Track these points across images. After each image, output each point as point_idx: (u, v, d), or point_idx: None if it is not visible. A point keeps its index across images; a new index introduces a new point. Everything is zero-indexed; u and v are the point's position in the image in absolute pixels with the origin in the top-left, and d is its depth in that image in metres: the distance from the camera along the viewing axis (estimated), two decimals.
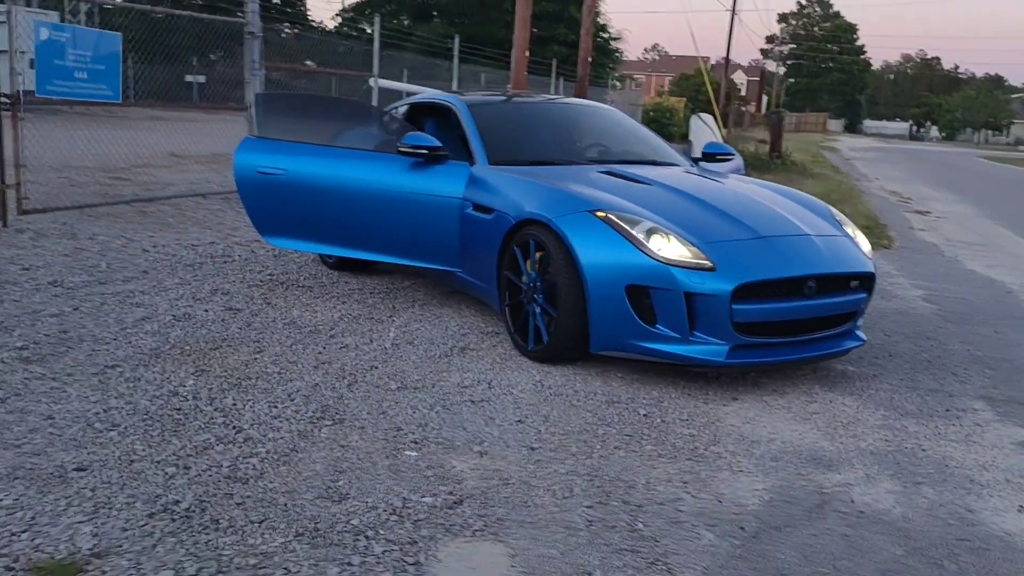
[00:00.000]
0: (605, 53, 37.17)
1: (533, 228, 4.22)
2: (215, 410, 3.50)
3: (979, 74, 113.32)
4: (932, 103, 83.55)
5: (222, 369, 3.99)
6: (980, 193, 18.52)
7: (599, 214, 4.00)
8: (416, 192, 4.83)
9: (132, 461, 2.99)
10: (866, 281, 4.25)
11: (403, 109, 5.88)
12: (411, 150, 4.75)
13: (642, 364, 4.20)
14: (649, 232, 3.90)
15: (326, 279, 5.88)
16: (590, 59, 19.01)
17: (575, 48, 33.69)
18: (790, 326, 3.99)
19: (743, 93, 71.93)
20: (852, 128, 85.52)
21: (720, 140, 8.41)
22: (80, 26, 7.74)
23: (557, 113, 5.79)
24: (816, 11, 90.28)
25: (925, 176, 23.58)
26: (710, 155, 5.65)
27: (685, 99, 60.56)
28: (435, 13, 35.71)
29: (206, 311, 4.90)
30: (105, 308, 4.84)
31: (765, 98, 78.30)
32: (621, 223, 3.94)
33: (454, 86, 16.24)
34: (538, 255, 4.24)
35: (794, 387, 4.17)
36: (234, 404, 3.57)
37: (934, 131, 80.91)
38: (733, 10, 42.89)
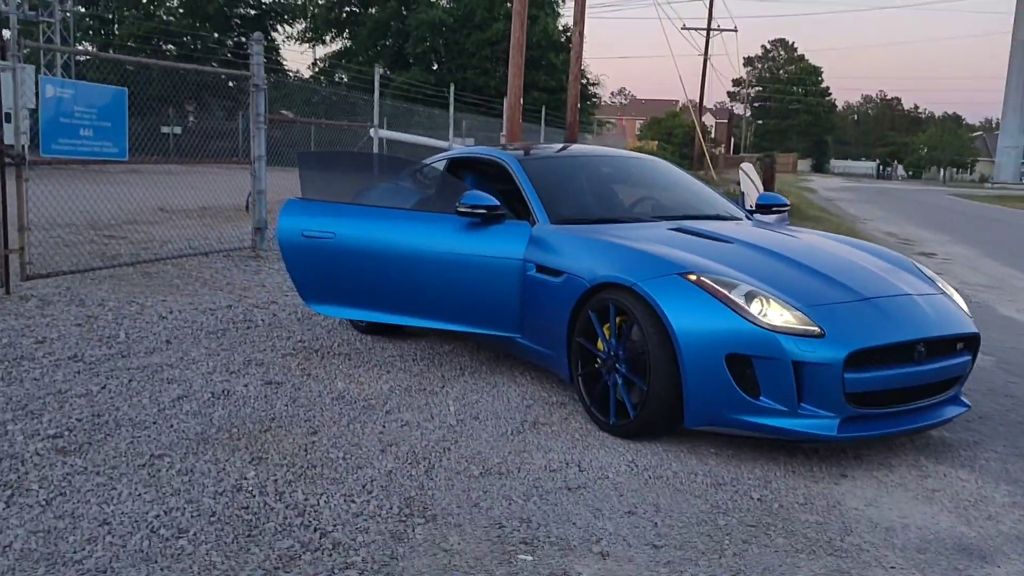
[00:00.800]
0: (584, 98, 37.39)
1: (613, 292, 3.91)
2: (287, 507, 3.13)
3: (938, 113, 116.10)
4: (898, 142, 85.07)
5: (280, 456, 3.62)
6: (969, 232, 18.57)
7: (691, 277, 3.71)
8: (472, 254, 4.52)
9: None
10: (970, 342, 3.98)
11: (441, 164, 5.58)
12: (470, 210, 4.44)
13: (733, 438, 3.89)
14: (748, 296, 3.61)
15: (361, 345, 5.52)
16: (579, 105, 18.94)
17: (555, 93, 33.97)
18: (900, 394, 3.70)
19: (713, 135, 72.74)
20: (820, 168, 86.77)
21: (761, 190, 8.21)
22: (85, 82, 7.38)
23: (609, 166, 5.52)
24: (781, 54, 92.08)
25: (910, 216, 23.69)
26: (765, 207, 5.40)
27: (657, 142, 61.33)
28: (411, 61, 35.75)
29: (245, 386, 4.52)
30: (135, 385, 4.44)
31: (733, 140, 79.37)
32: (717, 287, 3.65)
33: (450, 133, 16.04)
34: (618, 321, 3.93)
35: (899, 459, 3.87)
36: (306, 499, 3.20)
37: (900, 170, 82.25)
38: (706, 55, 43.50)
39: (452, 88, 15.54)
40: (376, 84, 11.65)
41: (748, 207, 5.54)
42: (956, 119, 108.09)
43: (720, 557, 2.87)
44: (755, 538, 3.02)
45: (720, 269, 3.80)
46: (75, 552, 2.74)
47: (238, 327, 5.83)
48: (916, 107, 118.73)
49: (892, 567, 2.85)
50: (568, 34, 35.54)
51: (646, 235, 4.32)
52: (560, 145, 7.48)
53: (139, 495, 3.18)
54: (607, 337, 3.98)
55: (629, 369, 3.86)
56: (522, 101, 14.26)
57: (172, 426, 3.90)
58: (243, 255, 9.01)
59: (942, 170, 77.27)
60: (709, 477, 3.55)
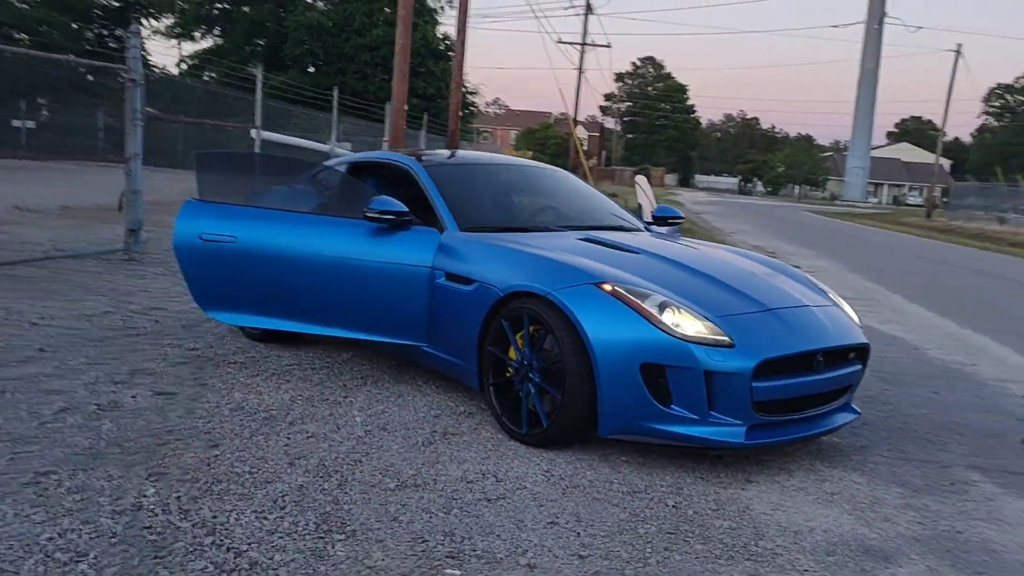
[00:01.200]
0: (463, 106, 37.45)
1: (527, 301, 3.90)
2: (195, 526, 2.96)
3: (792, 134, 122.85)
4: (756, 160, 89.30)
5: (181, 471, 3.42)
6: (828, 247, 19.67)
7: (605, 287, 3.75)
8: (379, 261, 4.42)
9: None
10: (861, 353, 4.19)
11: (341, 168, 5.44)
12: (378, 215, 4.35)
13: (641, 445, 3.95)
14: (661, 306, 3.67)
15: (255, 353, 5.30)
16: (461, 113, 18.98)
17: (433, 100, 33.87)
18: (801, 402, 3.85)
19: (586, 148, 74.37)
20: (685, 182, 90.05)
21: (654, 203, 8.38)
22: None
23: (514, 175, 5.52)
24: (650, 71, 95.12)
25: (772, 230, 24.90)
26: (661, 219, 5.53)
27: (532, 152, 62.23)
28: (288, 63, 34.89)
29: (134, 397, 4.27)
30: (10, 397, 4.11)
31: (604, 153, 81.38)
32: (631, 297, 3.70)
33: (333, 136, 15.72)
34: (531, 329, 3.92)
35: (796, 464, 4.03)
36: (215, 517, 3.04)
37: (760, 186, 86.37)
38: (580, 69, 44.42)
39: (336, 92, 15.23)
40: (259, 84, 11.28)
41: (645, 219, 5.66)
42: (808, 140, 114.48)
43: (644, 566, 2.89)
44: (675, 545, 3.07)
45: (633, 279, 3.86)
46: None
47: (119, 335, 5.49)
48: (773, 127, 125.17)
49: (806, 570, 2.96)
50: (447, 42, 35.58)
51: (556, 244, 4.34)
52: (452, 152, 7.43)
53: (27, 516, 2.93)
54: (520, 346, 3.97)
55: (543, 378, 3.86)
56: (407, 108, 14.15)
57: (56, 441, 3.63)
58: (117, 258, 8.51)
59: (796, 187, 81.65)
60: (624, 485, 3.59)
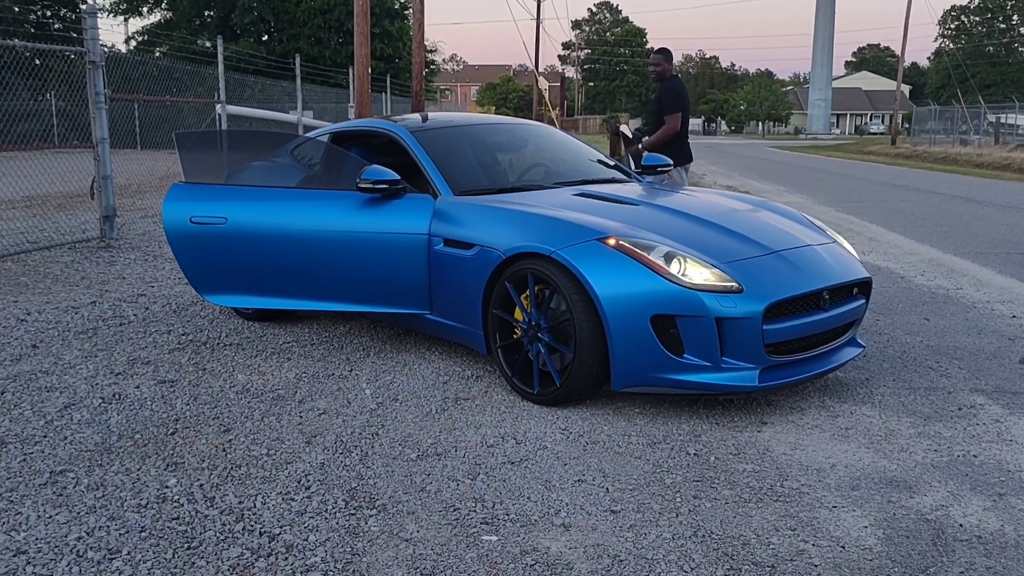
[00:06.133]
0: (425, 65, 36.90)
1: (531, 262, 3.87)
2: (222, 513, 2.93)
3: (752, 70, 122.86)
4: (718, 99, 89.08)
5: (197, 459, 3.39)
6: (798, 181, 19.76)
7: (610, 242, 3.72)
8: (375, 232, 4.36)
9: None
10: (864, 287, 4.21)
11: (324, 139, 5.33)
12: (371, 186, 4.27)
13: (650, 396, 3.97)
14: (667, 257, 3.66)
15: (251, 333, 5.25)
16: (424, 72, 18.73)
17: (391, 61, 33.37)
18: (810, 340, 3.88)
19: (548, 98, 73.78)
20: None
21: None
22: None
23: (499, 134, 5.44)
24: (607, 17, 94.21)
25: (742, 168, 24.97)
26: (650, 167, 5.50)
27: (495, 107, 61.83)
28: (239, 32, 34.13)
29: (137, 388, 4.21)
30: (10, 397, 4.05)
31: (566, 102, 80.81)
32: (636, 249, 3.67)
33: (298, 105, 15.44)
34: (537, 289, 3.90)
35: (806, 402, 4.06)
36: (241, 503, 3.02)
37: (723, 125, 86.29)
38: (538, 19, 43.93)
39: (298, 60, 14.91)
40: (220, 56, 11.00)
41: (634, 169, 5.62)
42: (768, 75, 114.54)
43: (677, 516, 2.91)
44: (703, 492, 3.09)
45: (635, 232, 3.83)
46: None
47: (109, 324, 5.41)
48: (732, 65, 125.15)
49: (834, 506, 2.99)
50: (401, 1, 34.93)
51: (553, 202, 4.30)
52: (438, 114, 7.31)
53: (51, 517, 2.90)
54: (526, 307, 3.94)
55: (552, 337, 3.84)
56: (370, 71, 13.92)
57: (66, 438, 3.58)
58: (91, 246, 8.36)
59: (760, 124, 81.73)
60: (642, 437, 3.60)
